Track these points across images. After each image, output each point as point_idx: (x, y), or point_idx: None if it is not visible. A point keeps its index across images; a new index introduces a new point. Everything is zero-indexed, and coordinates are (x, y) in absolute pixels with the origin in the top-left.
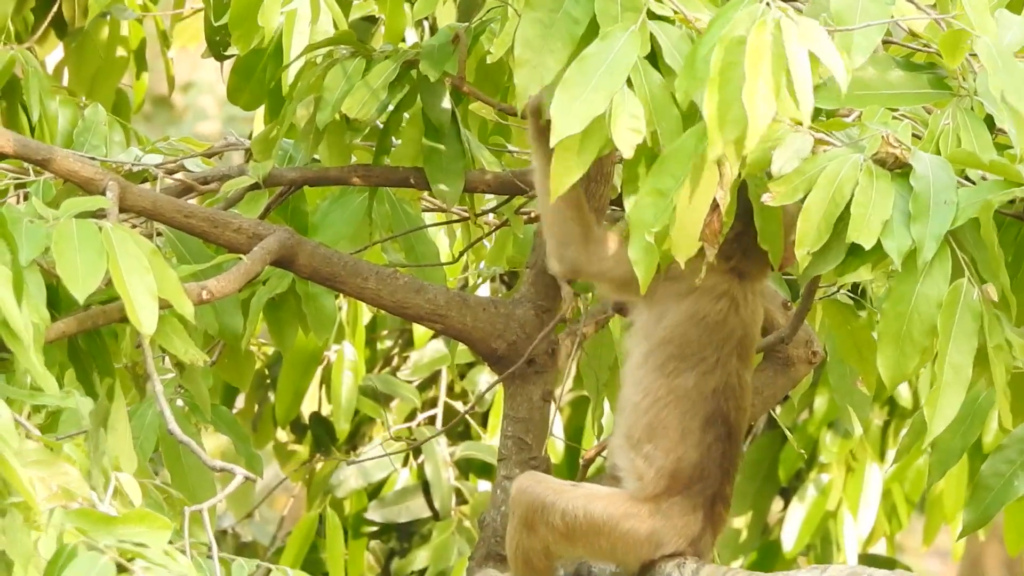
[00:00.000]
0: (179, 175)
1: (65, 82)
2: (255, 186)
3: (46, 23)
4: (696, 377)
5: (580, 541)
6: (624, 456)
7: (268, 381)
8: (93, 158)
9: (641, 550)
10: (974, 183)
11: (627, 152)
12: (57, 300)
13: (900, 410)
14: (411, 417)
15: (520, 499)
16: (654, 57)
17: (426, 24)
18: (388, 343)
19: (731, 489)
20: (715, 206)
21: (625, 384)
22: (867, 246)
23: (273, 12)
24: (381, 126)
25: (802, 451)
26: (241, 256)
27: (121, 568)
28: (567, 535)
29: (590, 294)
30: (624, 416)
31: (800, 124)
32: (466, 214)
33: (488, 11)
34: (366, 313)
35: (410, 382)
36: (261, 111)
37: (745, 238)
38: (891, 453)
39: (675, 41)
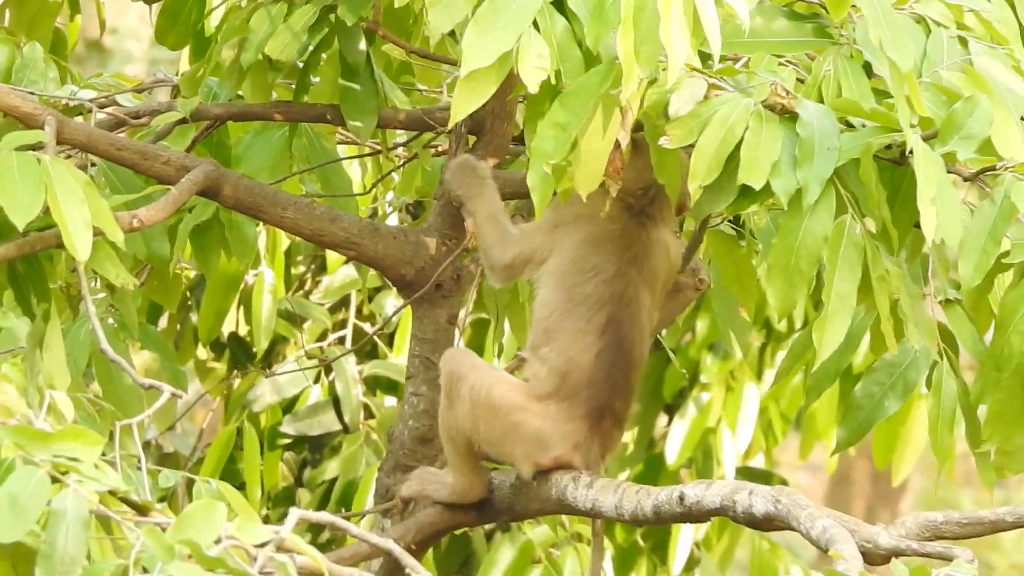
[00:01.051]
0: (111, 109)
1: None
2: (183, 121)
3: None
4: (594, 285)
5: (481, 421)
6: (528, 364)
7: (190, 303)
8: (32, 92)
9: (527, 445)
10: (855, 128)
11: (532, 88)
12: None
13: (776, 333)
14: (322, 337)
15: (444, 368)
16: (560, 4)
17: None
18: (302, 268)
19: (624, 406)
20: (617, 145)
21: (534, 312)
22: (757, 187)
23: None
24: (301, 66)
25: (683, 371)
26: (169, 187)
27: (55, 480)
28: (471, 412)
29: None
30: (530, 332)
31: (695, 70)
32: (378, 148)
33: None
34: (284, 240)
35: (322, 304)
36: (186, 52)
37: (647, 177)
38: (768, 373)
39: None
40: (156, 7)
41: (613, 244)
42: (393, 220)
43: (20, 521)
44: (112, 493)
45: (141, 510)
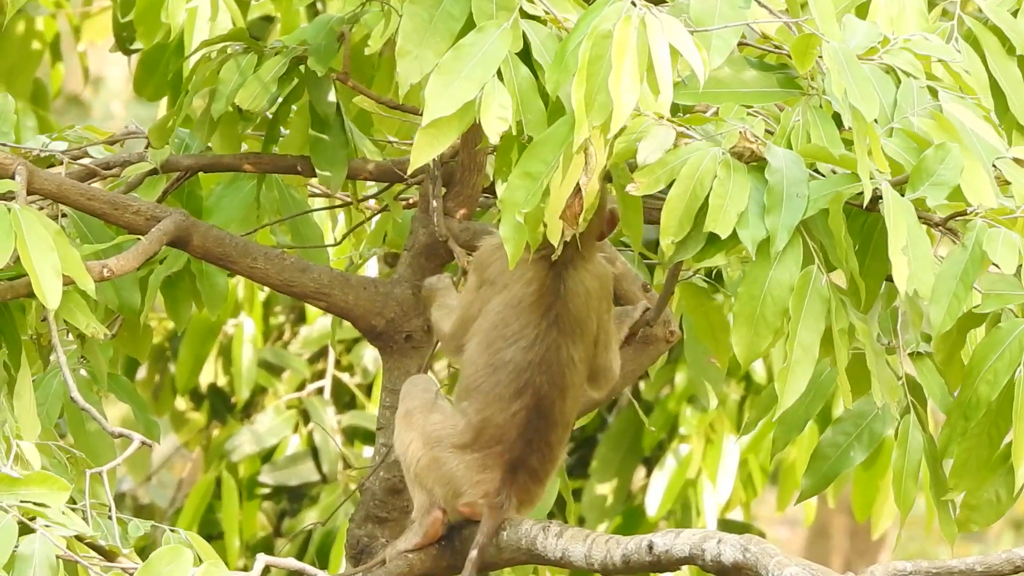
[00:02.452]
0: (84, 161)
1: None
2: (153, 172)
3: None
4: (515, 352)
5: (413, 444)
6: (453, 413)
7: (168, 353)
8: (4, 144)
9: (444, 487)
10: (824, 176)
11: (493, 138)
12: None
13: (755, 386)
14: (301, 387)
15: (401, 393)
16: (525, 54)
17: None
18: (281, 319)
19: (541, 463)
20: (577, 190)
21: (461, 366)
22: (723, 235)
23: (177, 9)
24: (271, 117)
25: (652, 428)
26: (140, 237)
27: (23, 526)
28: (408, 432)
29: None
30: (457, 384)
31: (662, 117)
32: (349, 200)
33: (359, 7)
34: (263, 290)
35: (300, 355)
36: (164, 103)
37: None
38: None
39: (544, 39)
40: (135, 58)
41: (532, 308)
42: (372, 270)
43: None
44: (79, 539)
45: (108, 556)
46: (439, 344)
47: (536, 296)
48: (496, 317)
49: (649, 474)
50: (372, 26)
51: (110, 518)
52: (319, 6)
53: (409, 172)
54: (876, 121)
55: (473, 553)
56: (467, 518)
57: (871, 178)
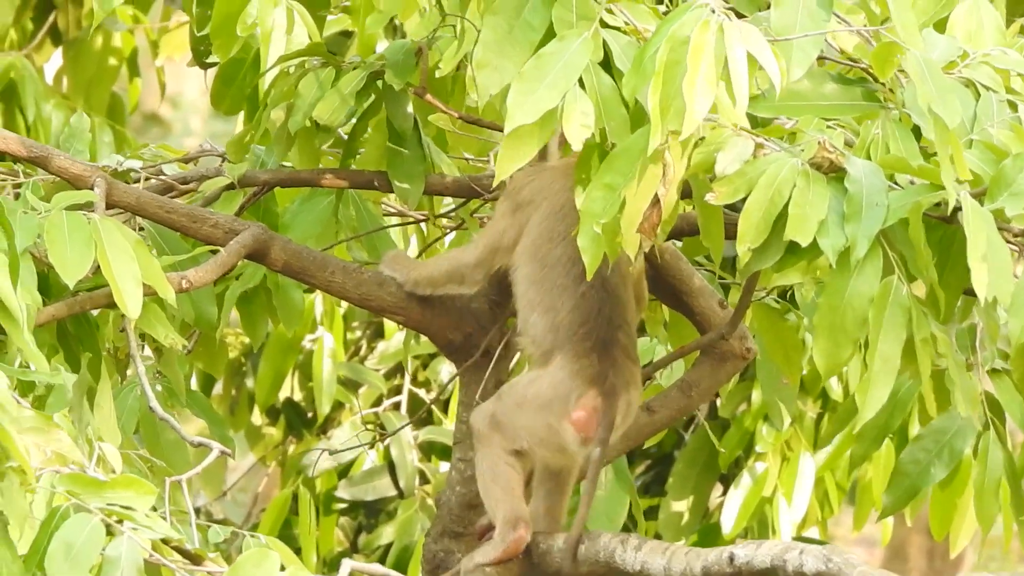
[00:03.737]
0: (163, 177)
1: (64, 88)
2: (230, 186)
3: (43, 32)
4: (563, 247)
5: (510, 426)
6: (525, 347)
7: (245, 369)
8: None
9: (552, 408)
10: (903, 188)
11: (576, 145)
12: (48, 286)
13: (832, 403)
14: (378, 403)
15: (473, 420)
16: (606, 63)
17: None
18: (358, 334)
19: (627, 339)
20: (655, 200)
21: (516, 295)
22: (804, 244)
23: (258, 21)
24: (348, 132)
25: (722, 449)
26: (218, 249)
27: (109, 528)
28: (501, 426)
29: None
30: (519, 316)
31: (740, 128)
32: (425, 215)
33: (437, 28)
34: (341, 305)
35: (377, 370)
36: (241, 117)
37: None
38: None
39: (624, 48)
40: (212, 72)
41: (573, 208)
42: None
43: (75, 568)
44: (165, 542)
45: (194, 559)
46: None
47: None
48: (540, 228)
49: (725, 492)
50: (444, 49)
51: (188, 524)
52: (396, 22)
53: (495, 182)
54: (956, 132)
55: (597, 451)
56: (582, 430)
57: (953, 186)
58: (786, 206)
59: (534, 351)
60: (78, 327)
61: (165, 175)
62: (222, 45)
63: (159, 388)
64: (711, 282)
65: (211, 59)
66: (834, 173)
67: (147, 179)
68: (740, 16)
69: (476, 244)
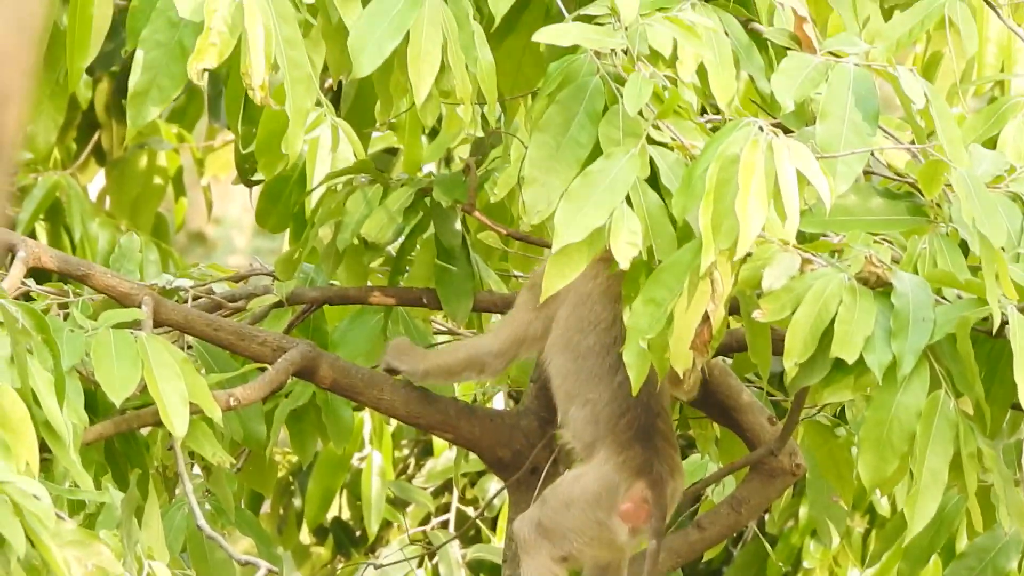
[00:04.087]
0: (211, 295)
1: (107, 207)
2: (279, 304)
3: (87, 151)
4: (595, 336)
5: (558, 529)
6: (567, 440)
7: (293, 487)
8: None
9: (601, 503)
10: (950, 302)
11: (624, 264)
12: (95, 404)
13: (880, 519)
14: (426, 521)
15: (519, 528)
16: (652, 179)
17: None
18: (405, 452)
19: (666, 426)
20: (706, 317)
21: (552, 389)
22: (850, 361)
23: (296, 140)
24: (397, 249)
25: (780, 564)
26: (266, 366)
27: None
28: (548, 530)
29: None
30: (558, 410)
31: (787, 244)
32: (474, 333)
33: (493, 160)
34: (390, 423)
35: (425, 488)
36: (287, 235)
37: None
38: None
39: (672, 165)
40: (257, 190)
41: (603, 296)
42: (499, 403)
43: None
44: None
45: None
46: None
47: (604, 285)
48: (569, 319)
49: None
50: (498, 170)
51: None
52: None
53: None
54: (1003, 248)
55: (653, 543)
56: (632, 521)
57: (998, 303)
58: (832, 322)
59: (576, 444)
60: (126, 445)
61: (214, 292)
62: (267, 163)
63: (208, 506)
64: (760, 398)
65: (256, 176)
66: (881, 288)
67: (195, 297)
68: (787, 131)
69: (498, 334)
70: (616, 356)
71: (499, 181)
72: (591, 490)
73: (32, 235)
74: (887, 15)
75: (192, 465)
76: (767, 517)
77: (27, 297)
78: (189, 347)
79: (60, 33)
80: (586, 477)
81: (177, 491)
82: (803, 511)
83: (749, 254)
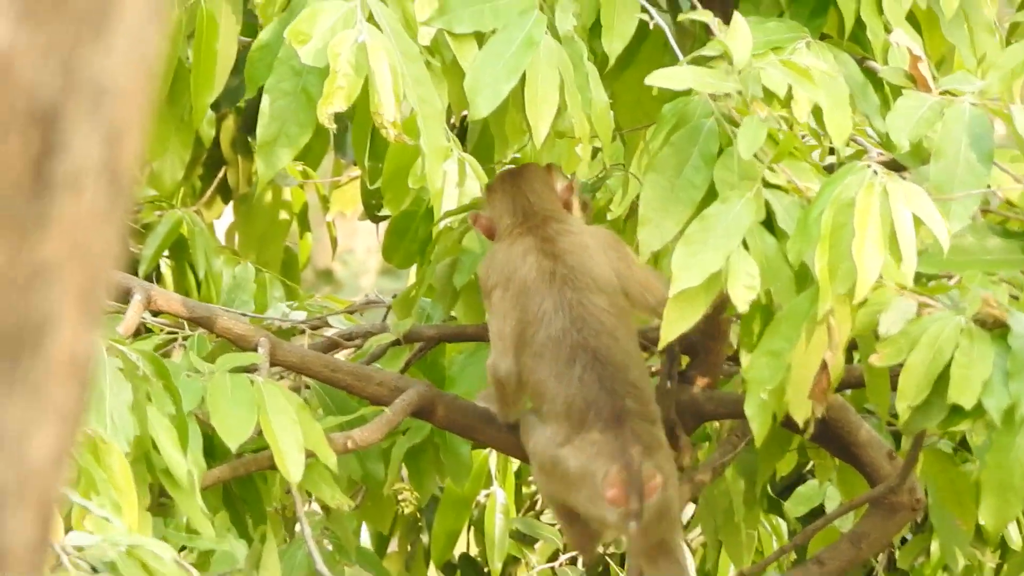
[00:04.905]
0: (326, 332)
1: (235, 244)
2: (396, 342)
3: (212, 188)
4: (546, 328)
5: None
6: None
7: (420, 524)
8: (244, 314)
9: (583, 485)
10: None
11: (742, 307)
12: (211, 449)
13: (1011, 553)
14: (554, 557)
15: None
16: (769, 222)
17: None
18: (532, 488)
19: (638, 403)
20: (824, 365)
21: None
22: (968, 407)
23: (435, 176)
24: None
25: None
26: (383, 408)
27: None
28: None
29: (707, 443)
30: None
31: (904, 288)
32: None
33: (602, 173)
34: (514, 461)
35: (553, 524)
36: (413, 272)
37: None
38: None
39: (788, 207)
40: (383, 225)
41: (537, 282)
42: None
43: None
44: None
45: None
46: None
47: (536, 271)
48: (516, 312)
49: None
50: (614, 191)
51: None
52: None
53: (661, 346)
54: None
55: (632, 524)
56: (616, 503)
57: None
58: (948, 365)
59: (550, 431)
60: (243, 489)
61: (331, 325)
62: (394, 198)
63: (328, 546)
64: (879, 429)
65: (382, 212)
66: (999, 329)
67: (312, 335)
68: (901, 170)
69: (495, 361)
70: (570, 346)
71: (614, 200)
72: (572, 475)
73: (156, 272)
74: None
75: (310, 502)
76: (896, 552)
77: (144, 329)
78: (306, 387)
79: (185, 70)
80: (565, 462)
81: (297, 529)
82: (934, 546)
83: (866, 299)
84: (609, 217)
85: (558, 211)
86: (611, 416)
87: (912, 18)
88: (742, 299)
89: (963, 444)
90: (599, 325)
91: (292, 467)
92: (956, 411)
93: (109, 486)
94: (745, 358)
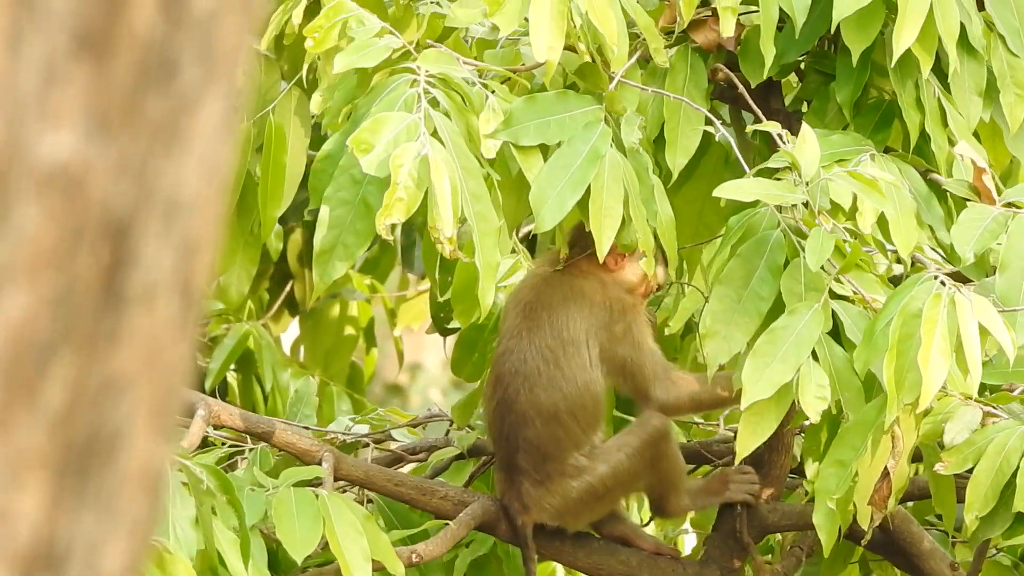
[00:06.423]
0: (391, 446)
1: (301, 357)
2: (460, 456)
3: (279, 302)
4: (499, 346)
5: None
6: None
7: None
8: (307, 427)
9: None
10: None
11: (814, 417)
12: (276, 562)
13: None
14: None
15: None
16: (836, 332)
17: None
18: None
19: (529, 462)
20: (885, 473)
21: None
22: None
23: (488, 293)
24: None
25: None
26: (447, 522)
27: None
28: None
29: (770, 555)
30: None
31: (969, 398)
32: None
33: (658, 288)
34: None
35: None
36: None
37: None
38: None
39: (854, 318)
40: (452, 339)
41: (514, 306)
42: (689, 545)
43: None
44: None
45: None
46: None
47: (525, 299)
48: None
49: None
50: (671, 309)
51: None
52: None
53: (738, 460)
54: None
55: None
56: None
57: None
58: (1014, 474)
59: None
60: None
61: (394, 439)
62: (463, 311)
63: None
64: (942, 542)
65: (452, 325)
66: None
67: (376, 447)
68: (966, 281)
69: None
70: (497, 373)
71: (674, 318)
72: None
73: (223, 385)
74: None
75: None
76: None
77: (206, 442)
78: (369, 501)
79: (253, 183)
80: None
81: None
82: None
83: (930, 408)
84: (667, 332)
85: (595, 266)
86: (503, 462)
87: (976, 131)
88: (814, 409)
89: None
90: (522, 365)
91: None
92: (1020, 519)
93: None
94: (811, 468)
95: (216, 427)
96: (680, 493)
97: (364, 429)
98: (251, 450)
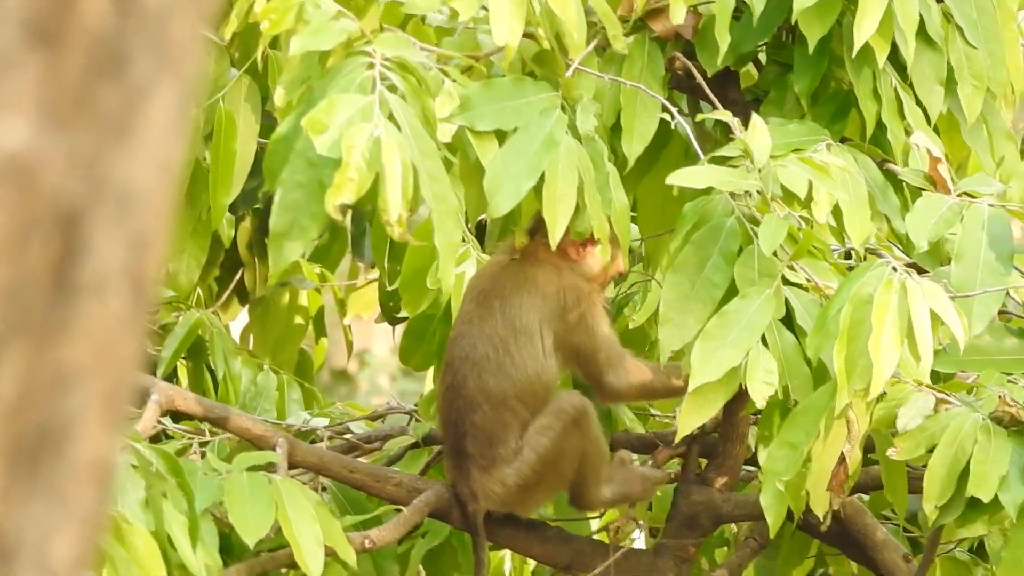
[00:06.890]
0: (347, 436)
1: (251, 345)
2: (415, 445)
3: (229, 290)
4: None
5: None
6: None
7: None
8: (266, 420)
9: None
10: None
11: (760, 402)
12: (230, 547)
13: None
14: None
15: None
16: (787, 319)
17: None
18: None
19: (477, 447)
20: (842, 458)
21: None
22: (986, 500)
23: (448, 274)
24: None
25: None
26: (401, 508)
27: None
28: None
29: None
30: None
31: (922, 384)
32: None
33: (632, 286)
34: (528, 562)
35: None
36: (431, 374)
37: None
38: None
39: (806, 305)
40: (400, 328)
41: (471, 291)
42: (640, 542)
43: None
44: None
45: None
46: None
47: (481, 287)
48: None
49: None
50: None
51: None
52: None
53: (677, 440)
54: None
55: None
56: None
57: None
58: (969, 461)
59: None
60: None
61: (352, 432)
62: (412, 300)
63: None
64: (895, 534)
65: (400, 314)
66: (1015, 427)
67: (331, 438)
68: (921, 271)
69: None
70: (449, 357)
71: (639, 311)
72: None
73: (174, 373)
74: None
75: None
76: None
77: (164, 436)
78: (323, 488)
79: (203, 170)
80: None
81: None
82: None
83: (884, 394)
84: (631, 326)
85: (553, 254)
86: (452, 449)
87: (935, 124)
88: (760, 394)
89: (979, 552)
90: (472, 350)
91: (312, 563)
92: (974, 506)
93: (132, 566)
94: (763, 454)
95: (171, 413)
96: (599, 482)
97: (323, 422)
98: (207, 443)
